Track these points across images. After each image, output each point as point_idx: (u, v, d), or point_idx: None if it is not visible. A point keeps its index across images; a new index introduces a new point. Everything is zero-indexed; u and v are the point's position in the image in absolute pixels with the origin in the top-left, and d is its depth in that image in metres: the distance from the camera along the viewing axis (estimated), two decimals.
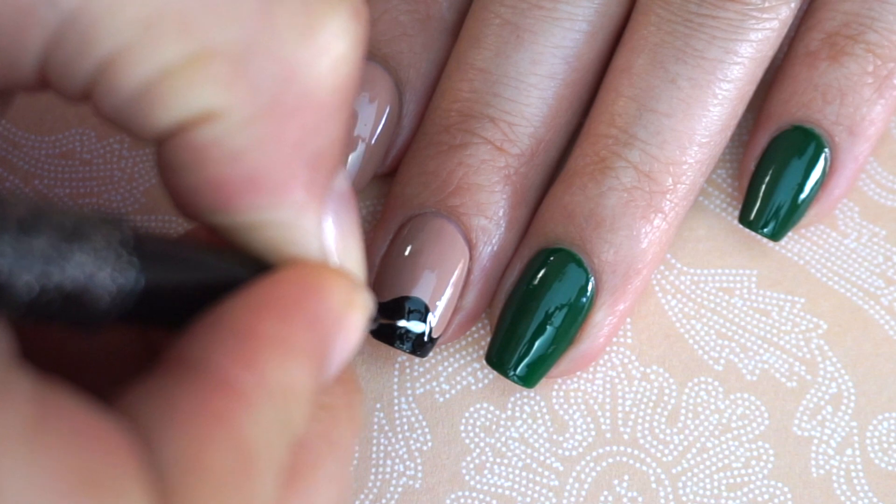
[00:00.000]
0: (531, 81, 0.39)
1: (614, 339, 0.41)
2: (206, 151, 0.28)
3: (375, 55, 0.40)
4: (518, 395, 0.41)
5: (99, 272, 0.26)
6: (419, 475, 0.40)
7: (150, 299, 0.27)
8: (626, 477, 0.40)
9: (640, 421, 0.40)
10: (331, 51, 0.29)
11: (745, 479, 0.40)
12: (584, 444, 0.40)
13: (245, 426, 0.26)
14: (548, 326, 0.39)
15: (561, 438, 0.40)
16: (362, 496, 0.40)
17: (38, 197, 0.42)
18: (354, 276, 0.31)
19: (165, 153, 0.29)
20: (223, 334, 0.28)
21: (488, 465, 0.40)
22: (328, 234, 0.30)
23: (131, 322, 0.28)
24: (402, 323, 0.39)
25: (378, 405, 0.41)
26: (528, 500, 0.40)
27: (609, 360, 0.41)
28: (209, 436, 0.26)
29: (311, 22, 0.28)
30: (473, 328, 0.41)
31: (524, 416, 0.40)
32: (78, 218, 0.26)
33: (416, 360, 0.41)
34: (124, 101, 0.28)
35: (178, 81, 0.27)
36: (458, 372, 0.41)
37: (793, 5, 0.39)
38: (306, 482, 0.29)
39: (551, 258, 0.39)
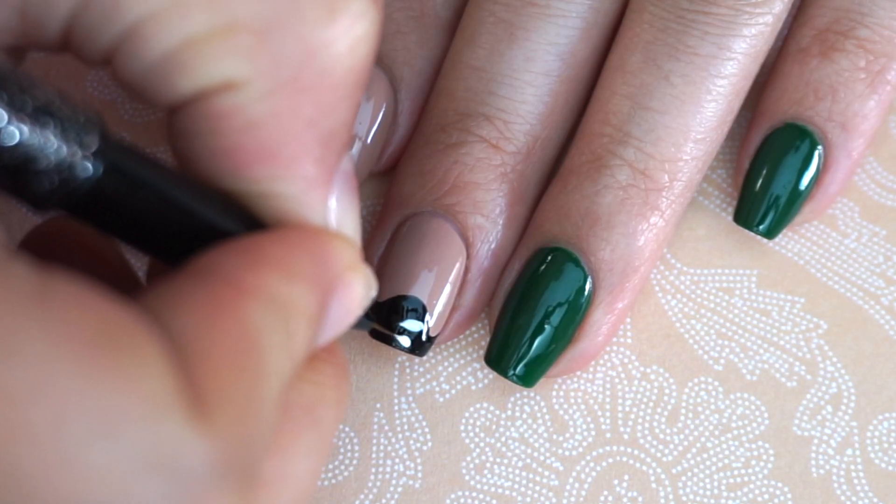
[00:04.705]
0: (526, 79, 0.39)
1: (614, 339, 0.41)
2: (223, 119, 0.29)
3: None
4: (518, 395, 0.41)
5: (56, 146, 0.26)
6: (419, 475, 0.40)
7: (108, 195, 0.28)
8: (626, 477, 0.40)
9: (640, 421, 0.40)
10: (350, 32, 0.29)
11: (745, 479, 0.40)
12: (584, 444, 0.40)
13: (249, 314, 0.27)
14: (546, 326, 0.39)
15: (561, 438, 0.40)
16: (362, 496, 0.40)
17: None
18: (358, 249, 0.32)
19: (180, 119, 0.29)
20: (232, 250, 0.28)
21: (488, 465, 0.40)
22: (332, 212, 0.31)
23: (87, 216, 0.28)
24: (400, 323, 0.39)
25: (378, 405, 0.41)
26: (528, 500, 0.40)
27: (609, 360, 0.41)
28: (216, 317, 0.27)
29: (333, 4, 0.29)
30: (473, 328, 0.41)
31: (524, 416, 0.41)
32: (56, 97, 0.27)
33: (416, 360, 0.41)
34: (146, 68, 0.29)
35: (201, 51, 0.28)
36: (458, 372, 0.41)
37: (786, 0, 0.39)
38: (285, 449, 0.29)
39: (548, 257, 0.39)
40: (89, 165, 0.27)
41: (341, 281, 0.30)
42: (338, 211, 0.31)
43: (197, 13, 0.28)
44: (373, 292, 0.32)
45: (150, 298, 0.27)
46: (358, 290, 0.31)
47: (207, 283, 0.27)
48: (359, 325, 0.34)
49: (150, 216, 0.29)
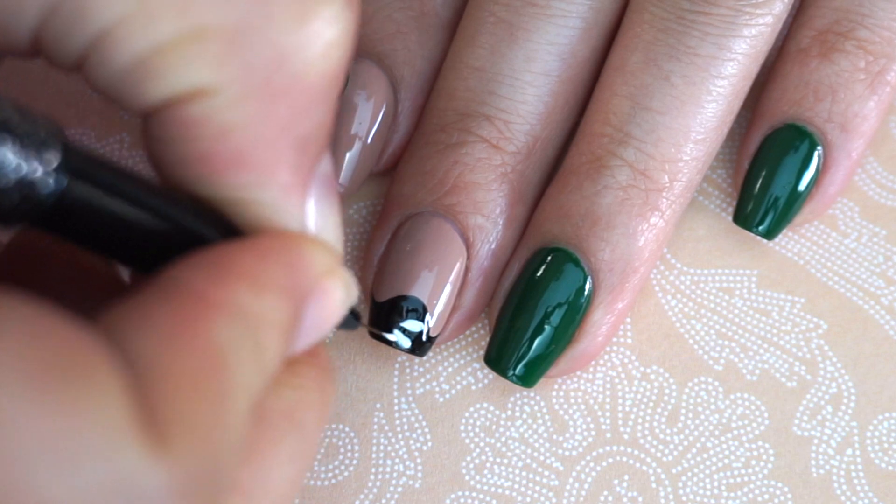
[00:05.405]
0: (526, 79, 0.39)
1: (614, 339, 0.41)
2: (195, 126, 0.29)
3: (370, 53, 0.40)
4: (518, 395, 0.41)
5: (14, 164, 0.26)
6: (419, 475, 0.40)
7: (74, 209, 0.28)
8: (626, 477, 0.40)
9: (640, 421, 0.40)
10: (322, 37, 0.29)
11: (745, 479, 0.40)
12: (584, 444, 0.40)
13: (214, 330, 0.27)
14: (546, 326, 0.39)
15: (561, 438, 0.40)
16: (362, 496, 0.40)
17: None
18: (336, 253, 0.32)
19: (153, 126, 0.29)
20: (199, 262, 0.28)
21: (488, 465, 0.40)
22: (310, 217, 0.31)
23: (55, 229, 0.28)
24: (400, 323, 0.39)
25: (378, 405, 0.41)
26: (528, 500, 0.40)
27: (609, 360, 0.41)
28: (178, 335, 0.26)
29: (304, 8, 0.29)
30: (473, 328, 0.41)
31: (524, 416, 0.41)
32: (14, 113, 0.26)
33: (416, 360, 0.41)
34: (116, 74, 0.28)
35: (171, 57, 0.28)
36: (458, 372, 0.41)
37: (786, 0, 0.39)
38: (264, 456, 0.29)
39: (548, 258, 0.39)
40: (51, 181, 0.27)
41: (317, 287, 0.30)
42: (316, 215, 0.31)
43: (165, 19, 0.28)
44: (353, 295, 0.31)
45: (110, 318, 0.27)
46: (336, 295, 0.30)
47: (171, 299, 0.27)
48: (345, 325, 0.33)
49: (119, 227, 0.29)
